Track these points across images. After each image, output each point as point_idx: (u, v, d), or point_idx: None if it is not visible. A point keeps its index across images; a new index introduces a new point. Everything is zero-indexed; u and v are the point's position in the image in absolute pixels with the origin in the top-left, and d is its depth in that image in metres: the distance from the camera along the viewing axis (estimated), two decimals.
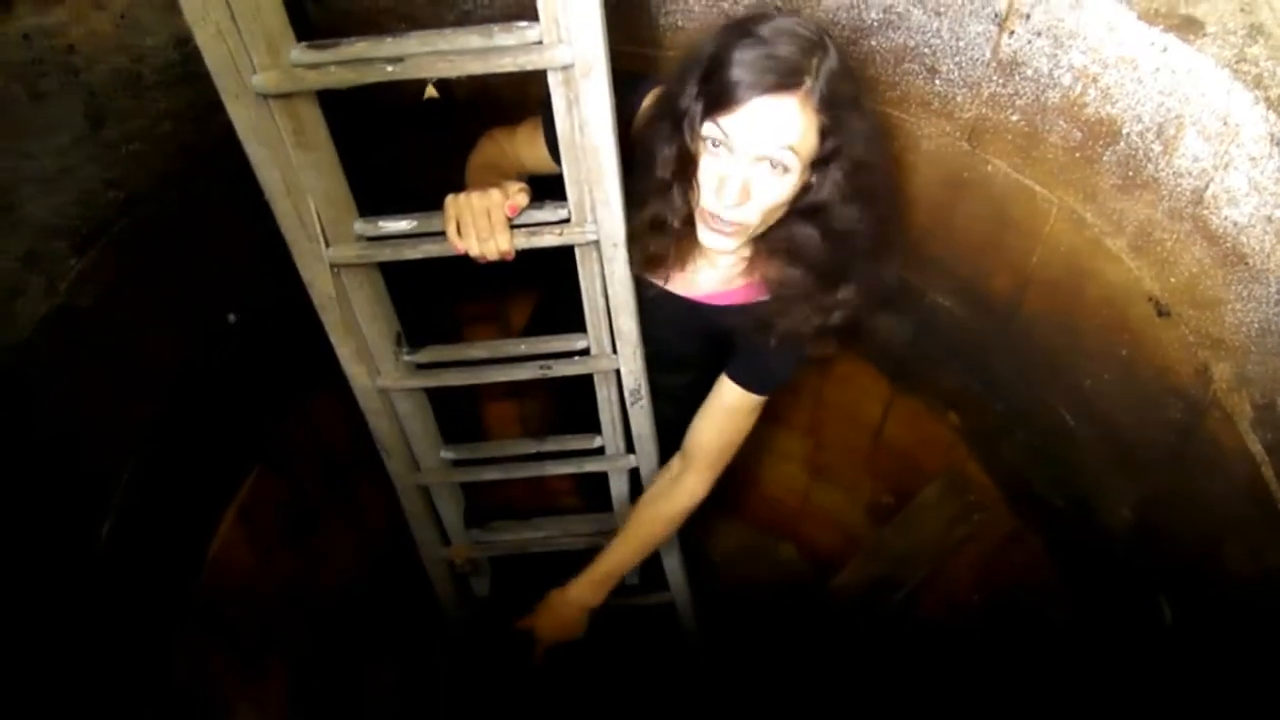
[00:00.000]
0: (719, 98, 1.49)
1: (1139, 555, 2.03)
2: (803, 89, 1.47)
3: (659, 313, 1.94)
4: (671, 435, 2.19)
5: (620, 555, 2.27)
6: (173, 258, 1.90)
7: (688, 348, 2.08)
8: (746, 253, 1.81)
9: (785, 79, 1.46)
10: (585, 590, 2.31)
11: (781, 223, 1.67)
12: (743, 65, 1.46)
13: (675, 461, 2.15)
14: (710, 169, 1.56)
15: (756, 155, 1.52)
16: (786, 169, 1.53)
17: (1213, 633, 1.84)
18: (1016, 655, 2.60)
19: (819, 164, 1.57)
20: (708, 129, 1.52)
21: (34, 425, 1.59)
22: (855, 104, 1.56)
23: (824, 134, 1.53)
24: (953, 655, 2.89)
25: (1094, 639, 2.24)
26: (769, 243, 1.72)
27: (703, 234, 1.66)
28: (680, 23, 2.03)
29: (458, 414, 2.36)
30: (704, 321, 1.95)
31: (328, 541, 2.79)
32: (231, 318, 2.07)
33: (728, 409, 2.00)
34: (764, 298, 1.83)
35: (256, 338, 2.24)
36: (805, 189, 1.60)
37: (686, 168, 1.59)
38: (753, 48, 1.46)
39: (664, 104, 1.63)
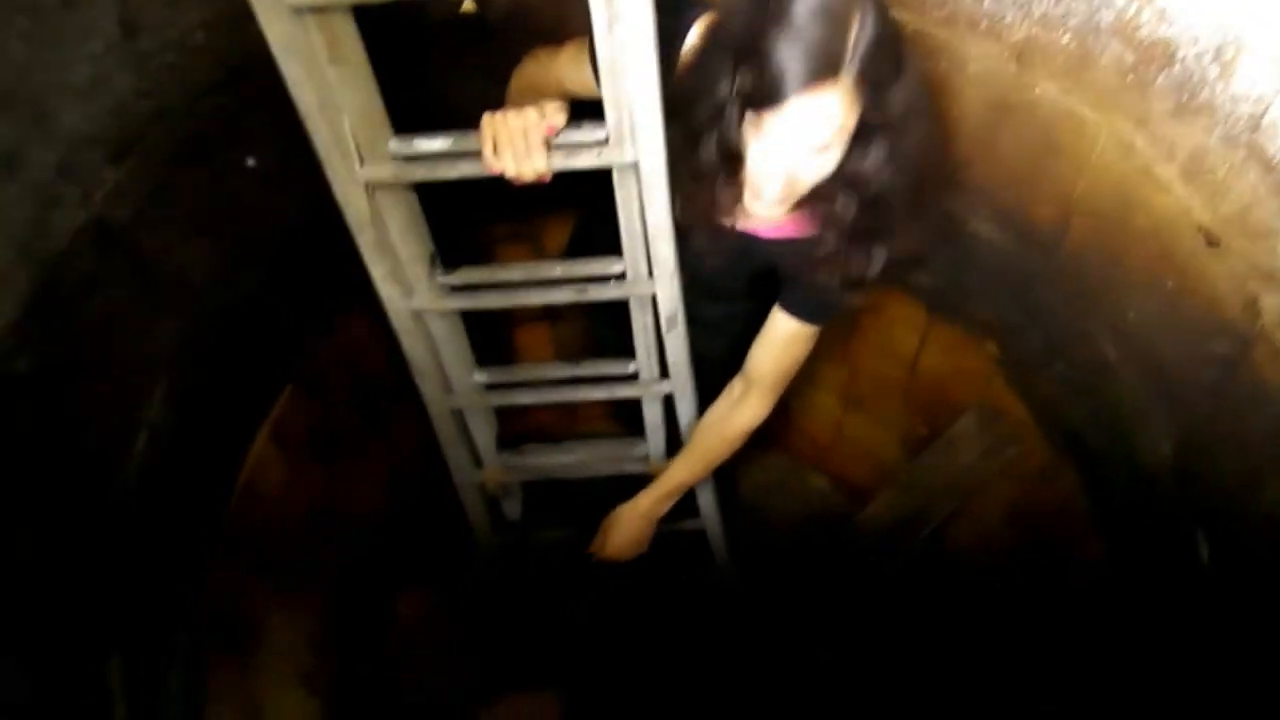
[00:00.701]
0: (758, 98, 1.45)
1: (1177, 492, 2.00)
2: (841, 76, 1.42)
3: (702, 242, 1.92)
4: (706, 364, 2.19)
5: (683, 472, 2.35)
6: (206, 172, 1.89)
7: (729, 278, 2.08)
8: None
9: (823, 69, 1.41)
10: (652, 504, 2.42)
11: (826, 181, 1.63)
12: (779, 58, 1.40)
13: (736, 384, 2.17)
14: (753, 150, 1.54)
15: (798, 146, 1.49)
16: (828, 148, 1.51)
17: (1251, 573, 1.82)
18: (1047, 592, 2.59)
19: (861, 136, 1.54)
20: (748, 125, 1.51)
21: (69, 339, 1.59)
22: (897, 69, 1.51)
23: (865, 108, 1.49)
24: (982, 589, 2.89)
25: (1127, 577, 2.23)
26: (816, 194, 1.69)
27: (750, 204, 1.65)
28: None
29: (491, 338, 2.36)
30: (748, 253, 1.94)
31: (360, 464, 2.80)
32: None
33: (783, 338, 2.02)
34: (811, 232, 1.81)
35: (290, 256, 2.23)
36: (848, 155, 1.57)
37: (727, 156, 1.58)
38: (787, 36, 1.40)
39: (703, 78, 1.57)
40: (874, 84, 1.46)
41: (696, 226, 1.86)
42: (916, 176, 1.65)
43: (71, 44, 1.48)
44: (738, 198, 1.69)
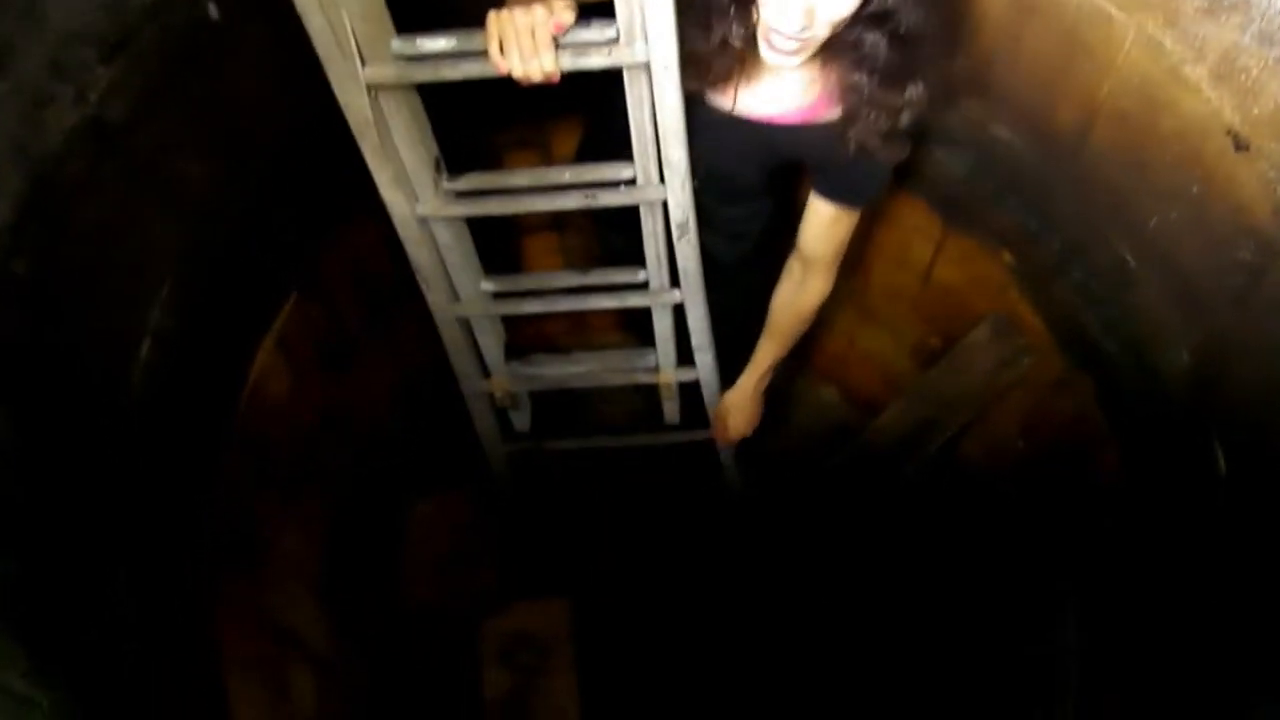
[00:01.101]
0: None
1: (1195, 402, 1.98)
2: None
3: (724, 137, 1.91)
4: (721, 270, 2.16)
5: (772, 351, 2.46)
6: (204, 72, 1.84)
7: (751, 176, 2.08)
8: (814, 66, 1.76)
9: None
10: (755, 383, 2.55)
11: (848, 29, 1.60)
12: None
13: (794, 265, 2.25)
14: None
15: None
16: None
17: (1270, 484, 1.79)
18: (1060, 504, 2.58)
19: None
20: None
21: (67, 241, 1.56)
22: None
23: None
24: (994, 501, 2.89)
25: (1142, 489, 2.21)
26: (834, 50, 1.67)
27: (765, 53, 1.61)
28: None
29: (498, 247, 2.32)
30: (773, 145, 1.93)
31: (366, 372, 2.79)
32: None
33: (826, 222, 2.06)
34: (834, 113, 1.79)
35: (293, 160, 2.19)
36: None
37: None
38: None
39: None
40: None
41: (715, 118, 1.86)
42: (943, 11, 1.65)
43: None
44: (759, 62, 1.69)
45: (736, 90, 1.83)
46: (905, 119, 1.74)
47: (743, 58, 1.72)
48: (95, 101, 1.56)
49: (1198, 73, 1.65)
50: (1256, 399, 1.80)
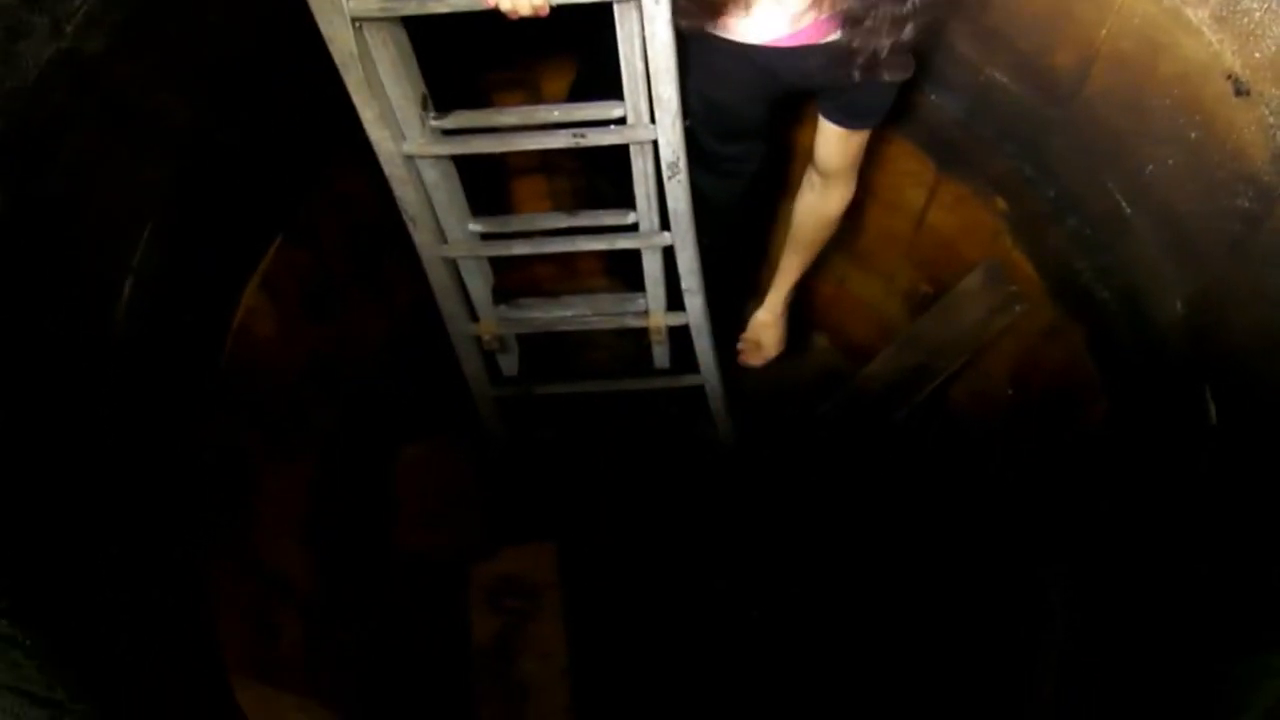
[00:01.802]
0: None
1: (1187, 351, 1.98)
2: None
3: (723, 68, 1.90)
4: (715, 211, 2.14)
5: (796, 263, 2.48)
6: (186, 5, 1.80)
7: (751, 109, 2.06)
8: None
9: None
10: (781, 300, 2.61)
11: None
12: None
13: (814, 175, 2.23)
14: None
15: None
16: None
17: (1261, 433, 1.79)
18: (1048, 452, 2.58)
19: None
20: None
21: (45, 178, 1.53)
22: None
23: None
24: (984, 448, 2.89)
25: (1132, 437, 2.21)
26: None
27: None
28: None
29: (486, 189, 2.30)
30: (775, 73, 1.91)
31: (354, 316, 2.77)
32: None
33: (837, 141, 2.07)
34: (836, 34, 1.77)
35: (278, 98, 2.16)
36: None
37: None
38: None
39: None
40: None
41: (713, 49, 1.84)
42: None
43: None
44: None
45: (735, 17, 1.81)
46: (909, 30, 1.70)
47: None
48: (72, 33, 1.53)
49: (1199, 15, 1.63)
50: (1250, 349, 1.79)
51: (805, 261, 2.48)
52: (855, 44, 1.72)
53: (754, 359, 2.78)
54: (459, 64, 2.13)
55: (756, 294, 2.72)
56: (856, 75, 1.78)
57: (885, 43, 1.71)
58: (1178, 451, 2.03)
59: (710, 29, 1.84)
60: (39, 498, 1.48)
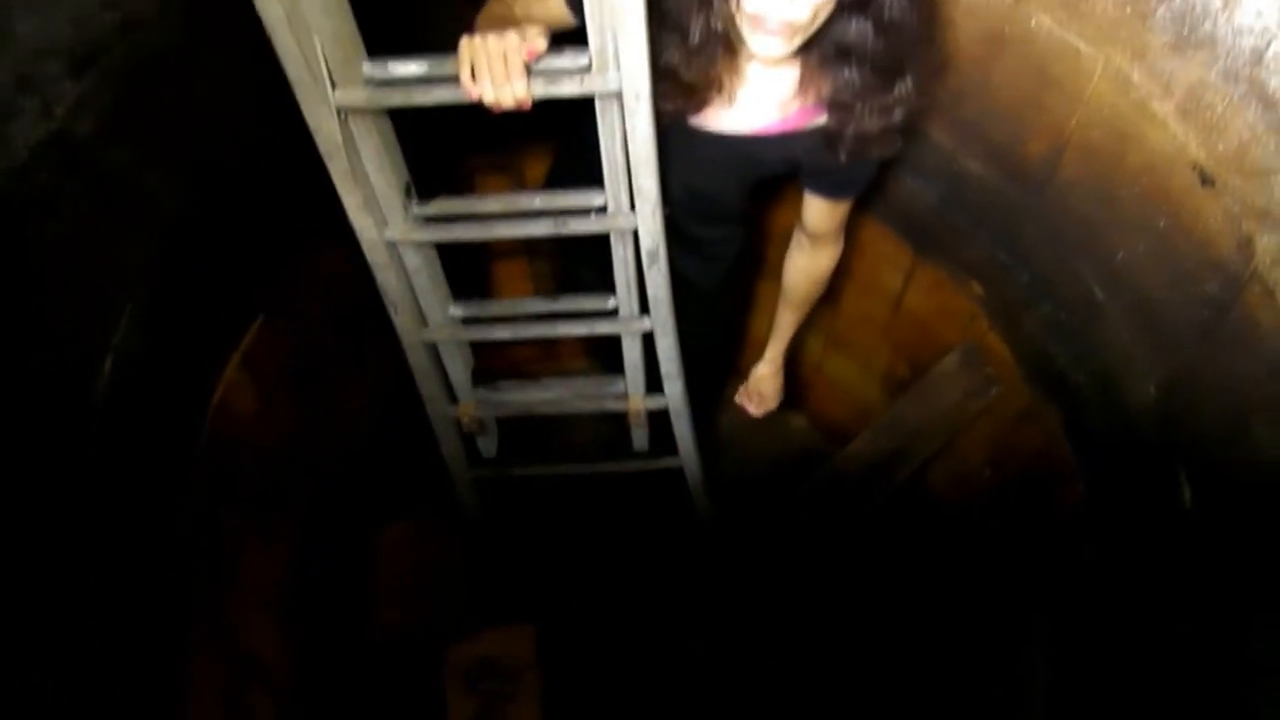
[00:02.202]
0: None
1: (1161, 435, 1.99)
2: None
3: (705, 155, 1.93)
4: (693, 295, 2.16)
5: (793, 319, 2.52)
6: (173, 89, 1.83)
7: (732, 194, 2.10)
8: (796, 70, 1.77)
9: None
10: (777, 355, 2.64)
11: (830, 23, 1.61)
12: None
13: (802, 236, 2.26)
14: None
15: None
16: None
17: (1234, 517, 1.81)
18: (1025, 533, 2.59)
19: None
20: None
21: (29, 257, 1.54)
22: None
23: None
24: (962, 530, 2.89)
25: (1108, 520, 2.22)
26: (820, 49, 1.68)
27: (751, 40, 1.60)
28: None
29: (468, 271, 2.32)
30: (758, 159, 1.95)
31: (334, 394, 2.77)
32: None
33: (824, 210, 2.11)
34: (822, 119, 1.81)
35: (262, 180, 2.18)
36: None
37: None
38: None
39: None
40: None
41: (695, 137, 1.87)
42: (925, 2, 1.66)
43: None
44: (740, 72, 1.75)
45: (720, 108, 1.84)
46: (898, 116, 1.75)
47: (722, 74, 1.73)
48: (62, 116, 1.55)
49: (1165, 108, 1.67)
50: (1221, 433, 1.81)
51: (801, 317, 2.51)
52: (845, 130, 1.77)
53: (755, 409, 2.79)
54: (442, 149, 2.16)
55: (740, 380, 2.74)
56: (844, 158, 1.82)
57: (874, 128, 1.75)
58: (1154, 534, 2.04)
59: (694, 120, 1.88)
60: (17, 575, 1.48)
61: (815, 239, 2.22)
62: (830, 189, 2.05)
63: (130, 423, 1.83)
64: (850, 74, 1.69)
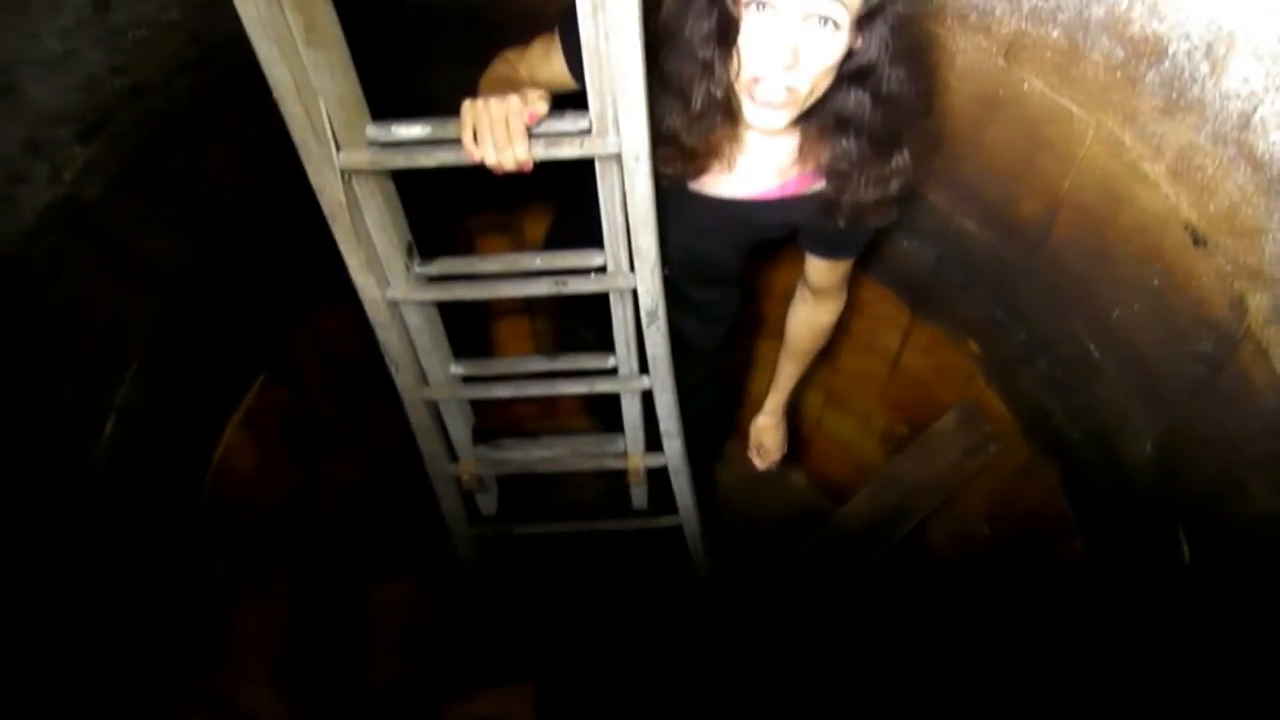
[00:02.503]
0: None
1: (1158, 491, 1.99)
2: None
3: (704, 219, 1.94)
4: (691, 354, 2.17)
5: (795, 369, 2.53)
6: (179, 152, 1.86)
7: (730, 257, 2.12)
8: (795, 139, 1.79)
9: None
10: (779, 406, 2.64)
11: (829, 94, 1.64)
12: None
13: (805, 290, 2.29)
14: (755, 33, 1.53)
15: (804, 13, 1.48)
16: (836, 25, 1.50)
17: (1233, 573, 1.80)
18: (1025, 590, 2.58)
19: (864, 21, 1.54)
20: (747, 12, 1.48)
21: (35, 317, 1.56)
22: None
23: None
24: (961, 587, 2.88)
25: (1107, 576, 2.22)
26: (819, 119, 1.71)
27: (750, 111, 1.63)
28: None
29: (468, 327, 2.33)
30: (755, 223, 1.97)
31: (334, 452, 2.78)
32: None
33: (825, 269, 2.14)
34: (820, 185, 1.83)
35: (264, 240, 2.20)
36: (850, 52, 1.57)
37: (727, 37, 1.55)
38: None
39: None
40: None
41: (694, 201, 1.88)
42: (920, 71, 1.68)
43: (41, 17, 1.45)
44: (739, 140, 1.77)
45: (719, 174, 1.86)
46: (894, 187, 1.77)
47: (722, 140, 1.75)
48: (70, 180, 1.57)
49: (1156, 169, 1.69)
50: (1218, 490, 1.81)
51: (802, 368, 2.52)
52: (842, 198, 1.79)
53: (759, 462, 2.77)
54: (443, 207, 2.18)
55: (739, 438, 2.74)
56: (841, 224, 1.85)
57: (870, 198, 1.77)
58: (1153, 591, 2.04)
59: (693, 185, 1.89)
60: (14, 631, 1.48)
61: (818, 293, 2.25)
62: (829, 250, 2.07)
63: (131, 482, 1.84)
64: (848, 144, 1.72)
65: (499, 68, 1.84)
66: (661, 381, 2.09)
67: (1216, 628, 1.84)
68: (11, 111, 1.44)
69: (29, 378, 1.57)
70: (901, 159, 1.74)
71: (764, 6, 1.49)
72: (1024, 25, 1.77)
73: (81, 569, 1.69)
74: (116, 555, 1.80)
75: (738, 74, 1.59)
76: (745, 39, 1.54)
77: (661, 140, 1.69)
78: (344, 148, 1.60)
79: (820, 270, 2.14)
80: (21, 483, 1.56)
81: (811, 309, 2.32)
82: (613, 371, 2.12)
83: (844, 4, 1.48)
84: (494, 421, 2.49)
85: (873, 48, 1.57)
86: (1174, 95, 1.58)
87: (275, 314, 2.38)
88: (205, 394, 2.13)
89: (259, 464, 2.33)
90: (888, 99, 1.64)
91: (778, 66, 1.53)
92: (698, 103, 1.62)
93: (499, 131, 1.49)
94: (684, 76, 1.61)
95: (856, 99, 1.65)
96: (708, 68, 1.58)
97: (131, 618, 1.83)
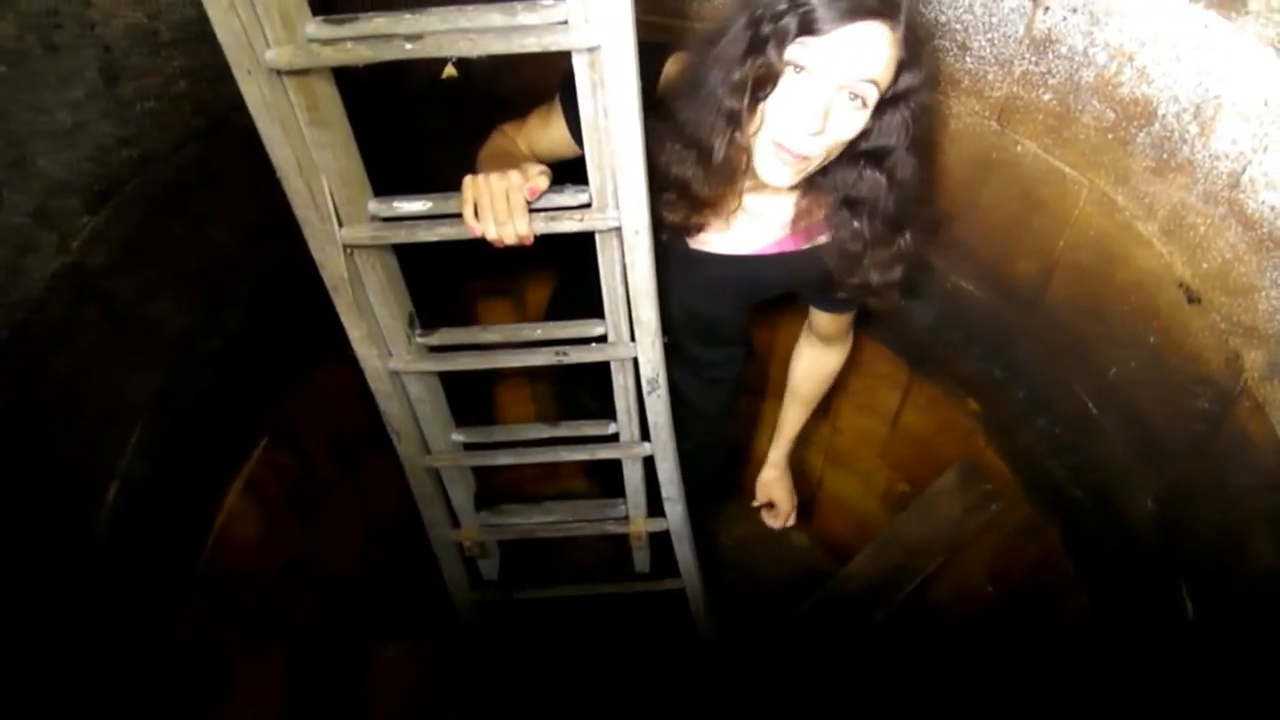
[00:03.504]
0: (810, 17, 1.45)
1: (1161, 548, 1.99)
2: (892, 19, 1.46)
3: (709, 276, 1.96)
4: (693, 416, 2.18)
5: (799, 417, 2.55)
6: (185, 221, 1.88)
7: (734, 318, 2.14)
8: (796, 197, 1.82)
9: (879, 5, 1.44)
10: (785, 455, 2.64)
11: (841, 167, 1.67)
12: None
13: (812, 336, 2.34)
14: (789, 95, 1.53)
15: (840, 83, 1.50)
16: (865, 103, 1.53)
17: (1237, 629, 1.80)
18: (1029, 648, 2.57)
19: (888, 104, 1.57)
20: (794, 51, 1.49)
21: (41, 385, 1.57)
22: (925, 45, 1.57)
23: (900, 70, 1.53)
24: (964, 646, 2.87)
25: (1112, 632, 2.21)
26: (832, 192, 1.74)
27: (764, 166, 1.64)
28: None
29: (469, 393, 2.33)
30: (759, 281, 1.99)
31: (335, 516, 2.77)
32: None
33: (829, 320, 2.20)
34: (824, 237, 1.86)
35: (267, 306, 2.22)
36: (867, 130, 1.59)
37: (760, 92, 1.55)
38: None
39: (733, 31, 1.58)
40: (913, 45, 1.52)
41: (698, 259, 1.90)
42: (927, 160, 1.73)
43: (52, 90, 1.48)
44: (739, 201, 1.79)
45: (722, 231, 1.88)
46: (898, 271, 1.81)
47: (729, 194, 1.77)
48: (77, 249, 1.59)
49: (1149, 228, 1.71)
50: (1220, 546, 1.81)
51: (806, 414, 2.54)
52: (848, 279, 1.83)
53: (772, 521, 2.74)
54: (444, 273, 2.19)
55: (741, 497, 2.73)
56: (842, 296, 1.91)
57: (876, 281, 1.81)
58: (1158, 647, 2.03)
59: (695, 244, 1.91)
60: (14, 695, 1.48)
61: (825, 339, 2.30)
62: (830, 305, 2.12)
63: (133, 547, 1.84)
64: (860, 224, 1.75)
65: (497, 140, 1.86)
66: (663, 448, 2.09)
67: (1221, 684, 1.83)
68: (22, 183, 1.46)
69: (34, 444, 1.58)
70: (905, 241, 1.78)
71: (801, 70, 1.50)
72: (1016, 89, 1.80)
73: (82, 633, 1.69)
74: (117, 620, 1.79)
75: (757, 130, 1.60)
76: (778, 100, 1.55)
77: (670, 185, 1.71)
78: (346, 223, 1.61)
79: (825, 320, 2.19)
80: (25, 548, 1.56)
81: (818, 354, 2.36)
82: (614, 438, 2.12)
83: (876, 85, 1.50)
84: (495, 484, 2.49)
85: (892, 131, 1.60)
86: (1164, 156, 1.61)
87: (277, 378, 2.39)
88: (208, 459, 2.13)
89: (260, 528, 2.33)
90: (901, 183, 1.67)
91: (805, 131, 1.54)
92: (720, 153, 1.62)
93: (500, 206, 1.50)
94: (704, 126, 1.61)
95: (871, 180, 1.68)
96: (734, 119, 1.58)
97: (130, 681, 1.83)
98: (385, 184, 1.67)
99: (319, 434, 2.62)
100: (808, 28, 1.46)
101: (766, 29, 1.50)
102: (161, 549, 1.96)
